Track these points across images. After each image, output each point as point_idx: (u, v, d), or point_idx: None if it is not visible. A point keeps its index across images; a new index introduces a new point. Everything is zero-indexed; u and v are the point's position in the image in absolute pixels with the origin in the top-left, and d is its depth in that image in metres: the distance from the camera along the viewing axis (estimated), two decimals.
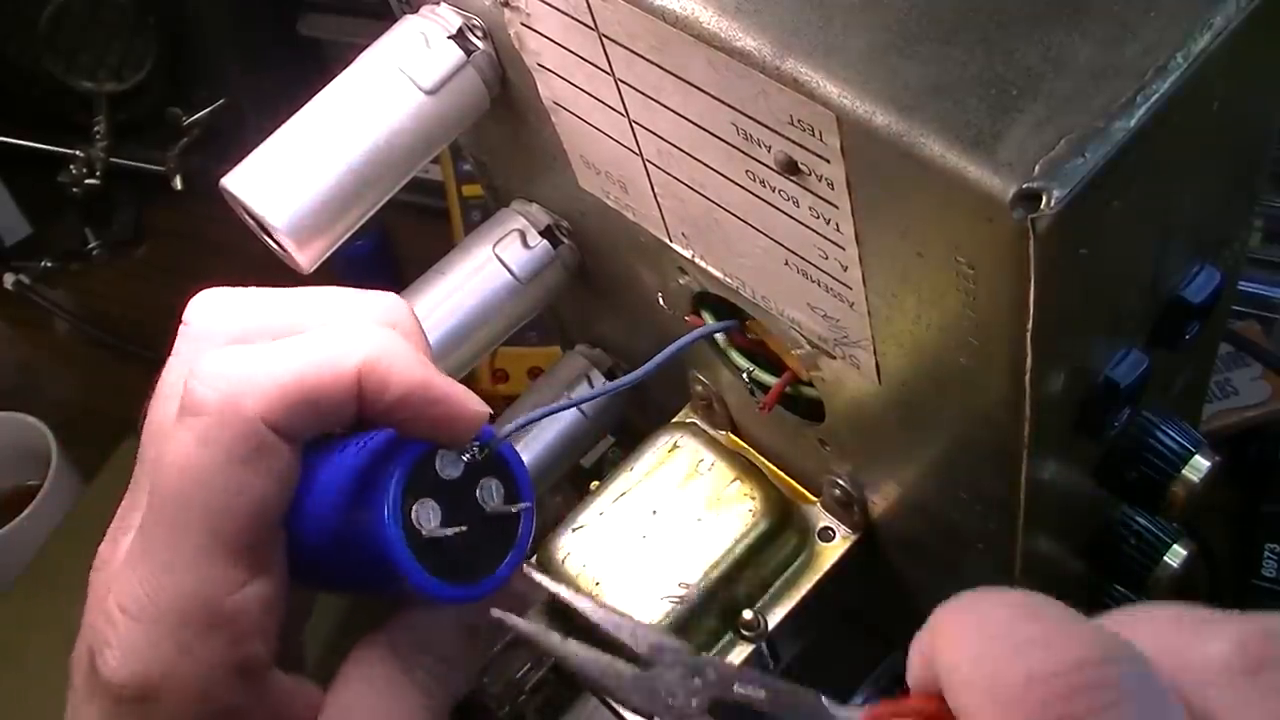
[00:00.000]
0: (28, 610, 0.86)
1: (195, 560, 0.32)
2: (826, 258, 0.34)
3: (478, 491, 0.34)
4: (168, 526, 0.32)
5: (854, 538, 0.47)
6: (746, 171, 0.35)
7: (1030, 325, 0.29)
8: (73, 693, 0.34)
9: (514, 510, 0.34)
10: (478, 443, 0.34)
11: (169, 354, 0.35)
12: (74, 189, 1.08)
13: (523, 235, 0.49)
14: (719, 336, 0.45)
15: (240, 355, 0.33)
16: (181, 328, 0.36)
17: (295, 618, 0.36)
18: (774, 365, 0.44)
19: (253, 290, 0.36)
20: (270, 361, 0.33)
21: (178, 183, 1.05)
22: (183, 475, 0.32)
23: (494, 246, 0.49)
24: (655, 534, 0.46)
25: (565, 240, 0.50)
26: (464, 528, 0.33)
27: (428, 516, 0.33)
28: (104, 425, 0.95)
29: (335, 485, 0.34)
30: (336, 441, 0.35)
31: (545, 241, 0.49)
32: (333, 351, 0.33)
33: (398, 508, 0.32)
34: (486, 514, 0.34)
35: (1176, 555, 0.41)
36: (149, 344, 1.02)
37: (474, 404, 0.34)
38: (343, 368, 0.33)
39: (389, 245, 1.00)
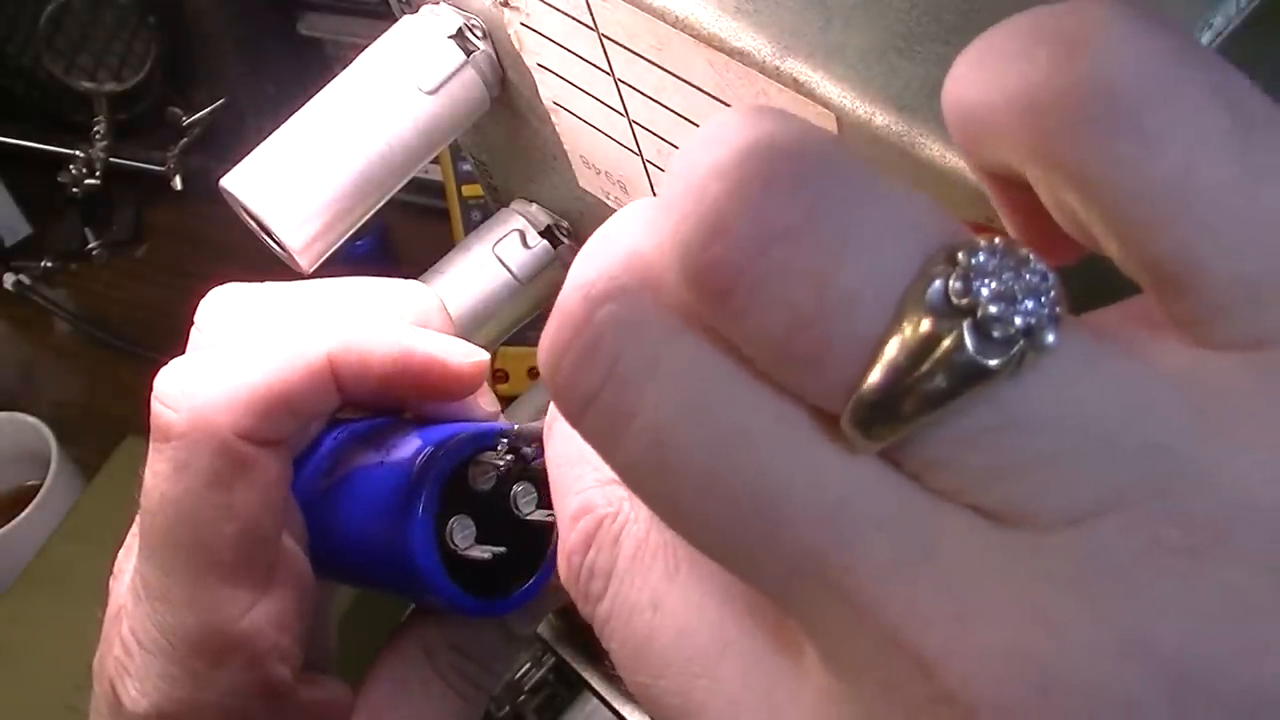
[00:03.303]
0: (27, 610, 0.86)
1: (194, 592, 0.30)
2: None
3: (511, 497, 0.32)
4: (162, 560, 0.31)
5: None
6: None
7: None
8: (97, 716, 0.33)
9: (548, 519, 0.32)
10: (508, 452, 0.32)
11: (172, 355, 0.33)
12: (74, 189, 1.09)
13: (523, 235, 0.49)
14: None
15: (202, 366, 0.31)
16: (193, 331, 0.34)
17: (320, 609, 0.35)
18: None
19: (267, 286, 0.35)
20: (235, 369, 0.31)
21: (178, 183, 1.05)
22: (165, 506, 0.30)
23: (494, 246, 0.49)
24: None
25: (565, 240, 0.50)
26: (502, 549, 0.32)
27: (463, 536, 0.31)
28: (104, 425, 0.95)
29: (368, 500, 0.33)
30: (370, 439, 0.34)
31: (545, 241, 0.49)
32: (299, 347, 0.31)
33: (431, 535, 0.31)
34: (519, 520, 0.32)
35: None
36: (149, 344, 1.03)
37: (465, 359, 0.32)
38: (312, 361, 0.31)
39: (389, 245, 1.00)
